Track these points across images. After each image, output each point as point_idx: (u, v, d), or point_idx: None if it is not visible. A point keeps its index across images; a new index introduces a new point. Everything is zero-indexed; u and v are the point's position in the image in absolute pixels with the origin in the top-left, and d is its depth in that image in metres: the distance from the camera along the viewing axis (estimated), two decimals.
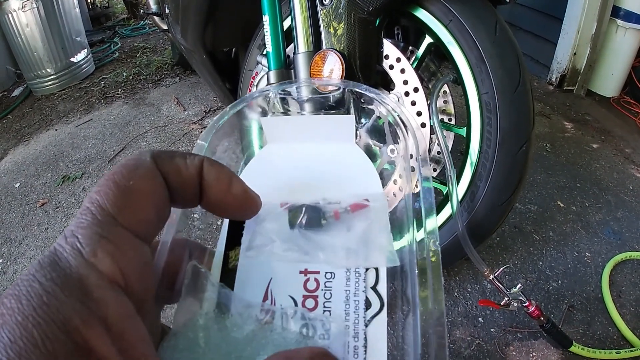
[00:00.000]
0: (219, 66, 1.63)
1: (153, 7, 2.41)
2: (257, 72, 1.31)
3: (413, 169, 0.29)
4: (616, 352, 1.08)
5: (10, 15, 2.71)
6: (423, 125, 1.05)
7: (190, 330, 0.23)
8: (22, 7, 2.69)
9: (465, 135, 1.06)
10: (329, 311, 0.24)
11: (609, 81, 2.38)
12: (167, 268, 0.25)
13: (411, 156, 0.30)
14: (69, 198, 1.89)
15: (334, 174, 0.31)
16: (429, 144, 1.14)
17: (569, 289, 1.28)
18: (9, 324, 0.16)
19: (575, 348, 1.09)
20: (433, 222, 0.25)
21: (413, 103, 1.04)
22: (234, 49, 1.75)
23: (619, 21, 2.20)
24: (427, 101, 1.04)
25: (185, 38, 1.55)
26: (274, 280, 0.25)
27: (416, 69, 1.07)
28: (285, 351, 0.21)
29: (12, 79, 3.16)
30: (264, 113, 0.34)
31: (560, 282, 1.30)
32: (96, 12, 4.42)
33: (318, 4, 1.02)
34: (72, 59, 3.03)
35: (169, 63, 3.17)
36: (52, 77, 2.96)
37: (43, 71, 2.92)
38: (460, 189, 1.06)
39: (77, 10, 3.23)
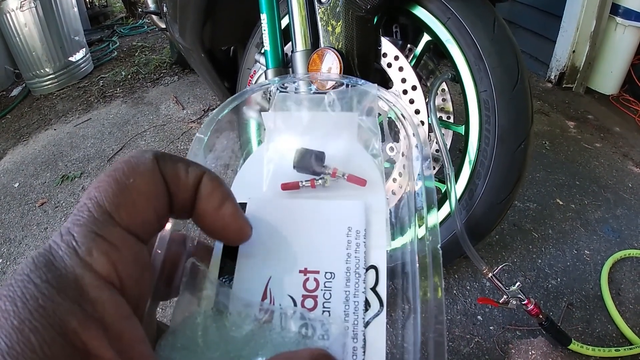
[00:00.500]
0: (217, 65, 1.62)
1: (151, 5, 2.40)
2: (255, 71, 1.31)
3: (414, 167, 0.29)
4: (615, 350, 1.08)
5: (8, 14, 2.70)
6: (421, 123, 1.05)
7: (188, 329, 0.23)
8: (20, 7, 2.68)
9: (463, 133, 1.06)
10: (329, 312, 0.24)
11: (608, 79, 2.38)
12: (165, 264, 0.25)
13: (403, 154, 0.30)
14: (68, 197, 1.88)
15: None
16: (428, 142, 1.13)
17: (568, 286, 1.28)
18: (5, 329, 0.16)
19: (575, 346, 1.09)
20: (434, 220, 0.25)
21: (411, 101, 1.04)
22: (232, 48, 1.75)
23: (618, 19, 2.20)
24: (425, 99, 1.04)
25: (184, 37, 1.55)
26: (273, 279, 0.25)
27: (414, 67, 1.06)
28: (285, 353, 0.20)
29: (10, 78, 3.15)
30: (263, 109, 0.33)
31: (559, 280, 1.30)
32: (94, 11, 4.40)
33: (316, 3, 1.02)
34: (70, 59, 3.03)
35: (168, 62, 3.16)
36: (51, 76, 2.95)
37: (41, 71, 2.91)
38: (458, 187, 1.06)
39: (76, 9, 3.22)
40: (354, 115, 0.32)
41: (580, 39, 2.29)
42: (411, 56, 1.11)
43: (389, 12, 1.11)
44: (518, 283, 1.03)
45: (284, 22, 1.17)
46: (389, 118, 0.31)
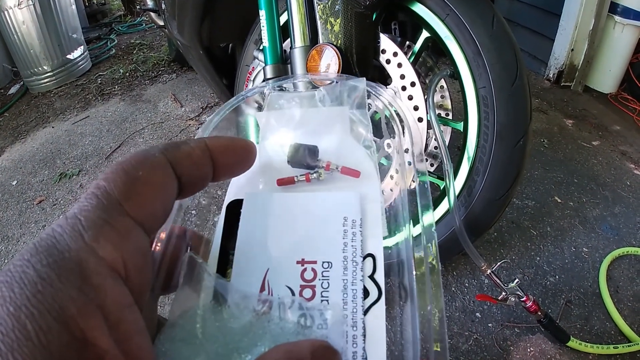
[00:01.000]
0: (215, 62, 1.62)
1: (149, 3, 2.40)
2: (253, 67, 1.31)
3: (409, 164, 0.29)
4: (614, 347, 1.08)
5: (6, 12, 2.69)
6: (420, 119, 1.05)
7: (187, 322, 0.22)
8: (19, 5, 2.67)
9: (462, 130, 1.06)
10: (327, 300, 0.24)
11: (607, 77, 2.39)
12: (164, 257, 0.25)
13: (406, 150, 0.30)
14: (66, 195, 1.88)
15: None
16: (426, 138, 1.13)
17: (567, 284, 1.28)
18: (0, 315, 0.15)
19: (573, 343, 1.09)
20: (430, 217, 0.26)
21: (410, 97, 1.04)
22: (230, 45, 1.75)
23: (617, 17, 2.20)
24: (424, 96, 1.04)
25: (182, 34, 1.54)
26: (271, 271, 0.25)
27: (413, 64, 1.06)
28: (285, 344, 0.20)
29: (8, 76, 3.14)
30: (260, 108, 0.34)
31: (557, 277, 1.30)
32: (92, 9, 4.40)
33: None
34: (68, 56, 3.02)
35: (166, 59, 3.16)
36: (49, 74, 2.94)
37: (39, 68, 2.90)
38: (457, 184, 1.06)
39: (74, 7, 3.21)
40: (344, 109, 0.32)
41: (578, 38, 2.30)
42: (410, 53, 1.11)
43: (388, 9, 1.11)
44: (517, 280, 1.03)
45: (283, 18, 1.17)
46: (387, 114, 0.32)
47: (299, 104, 0.33)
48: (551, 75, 2.49)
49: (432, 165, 1.23)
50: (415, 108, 1.04)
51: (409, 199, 0.28)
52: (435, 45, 1.10)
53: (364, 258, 0.25)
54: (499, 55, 0.95)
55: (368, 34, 1.03)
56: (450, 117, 1.27)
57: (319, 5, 1.01)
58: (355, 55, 1.02)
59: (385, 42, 1.05)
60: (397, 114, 0.31)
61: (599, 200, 1.60)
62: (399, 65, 1.04)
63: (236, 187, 0.30)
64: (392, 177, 0.97)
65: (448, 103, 1.28)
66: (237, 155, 0.26)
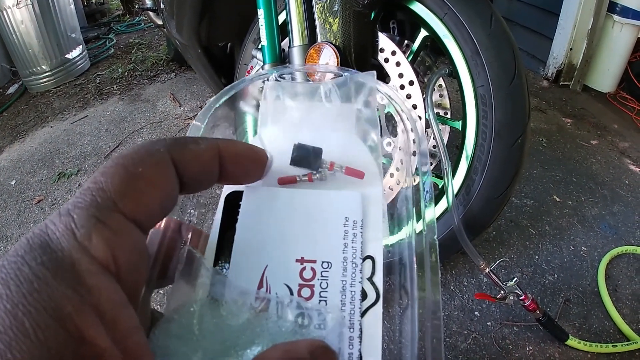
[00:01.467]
0: (214, 61, 1.62)
1: (148, 2, 2.40)
2: (252, 66, 1.31)
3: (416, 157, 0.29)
4: (612, 346, 1.08)
5: (5, 12, 2.68)
6: (419, 118, 1.05)
7: (183, 317, 0.22)
8: (17, 4, 2.67)
9: (460, 129, 1.06)
10: (325, 301, 0.23)
11: (605, 77, 2.39)
12: (160, 250, 0.24)
13: (414, 153, 0.30)
14: (65, 195, 1.88)
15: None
16: (425, 137, 1.13)
17: (565, 282, 1.28)
18: None
19: (572, 341, 1.09)
20: (431, 215, 0.25)
21: (408, 96, 1.04)
22: (229, 44, 1.74)
23: (616, 17, 2.20)
24: (422, 95, 1.04)
25: (181, 33, 1.54)
26: (270, 268, 0.25)
27: (411, 63, 1.06)
28: (284, 343, 0.20)
29: (7, 76, 3.14)
30: (259, 102, 0.33)
31: (556, 276, 1.30)
32: (91, 8, 4.39)
33: None
34: (67, 56, 3.01)
35: (165, 59, 3.15)
36: (47, 74, 2.93)
37: (38, 68, 2.90)
38: (455, 183, 1.06)
39: (72, 6, 3.21)
40: (352, 106, 0.31)
41: (577, 37, 2.30)
42: (408, 52, 1.11)
43: (386, 8, 1.11)
44: (515, 279, 1.03)
45: (281, 17, 1.17)
46: (387, 112, 0.31)
47: (300, 97, 0.32)
48: (550, 75, 2.49)
49: (430, 164, 1.24)
50: (414, 107, 1.04)
51: (411, 197, 0.28)
52: (434, 44, 1.10)
53: (364, 260, 0.25)
54: (497, 54, 0.95)
55: (366, 33, 1.03)
56: (448, 115, 1.27)
57: (317, 4, 1.01)
58: (354, 54, 1.02)
59: (384, 40, 1.05)
60: (402, 111, 0.30)
61: (597, 199, 1.60)
62: (398, 64, 1.04)
63: None
64: (392, 175, 0.97)
65: (446, 102, 1.28)
66: (248, 166, 0.25)
